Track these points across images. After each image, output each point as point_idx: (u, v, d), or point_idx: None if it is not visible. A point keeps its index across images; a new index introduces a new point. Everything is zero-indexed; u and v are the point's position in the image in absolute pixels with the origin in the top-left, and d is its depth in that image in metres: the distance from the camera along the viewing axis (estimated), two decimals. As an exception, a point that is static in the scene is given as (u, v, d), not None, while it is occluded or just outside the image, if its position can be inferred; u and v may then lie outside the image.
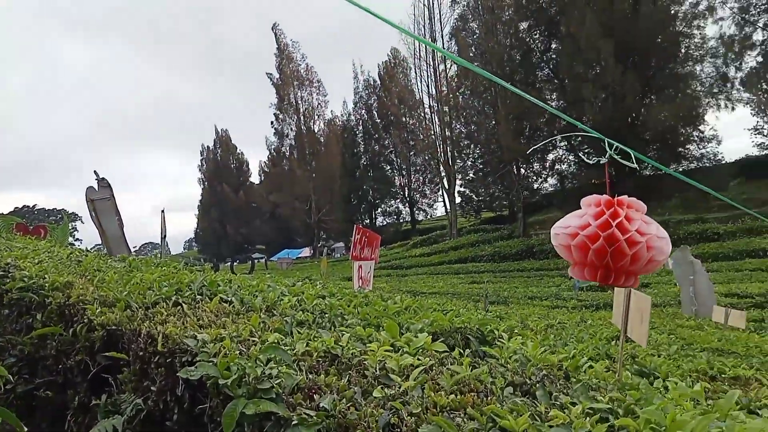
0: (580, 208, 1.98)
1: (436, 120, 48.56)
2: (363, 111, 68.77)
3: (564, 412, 1.63)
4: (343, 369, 2.01)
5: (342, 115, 72.47)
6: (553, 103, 34.51)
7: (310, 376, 1.87)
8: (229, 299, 3.11)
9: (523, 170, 38.48)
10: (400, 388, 1.77)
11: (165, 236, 11.23)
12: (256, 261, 51.94)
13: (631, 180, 29.33)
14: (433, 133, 48.77)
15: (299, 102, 67.39)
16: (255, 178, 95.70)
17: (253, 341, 2.22)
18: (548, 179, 39.88)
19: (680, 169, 29.70)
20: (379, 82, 65.87)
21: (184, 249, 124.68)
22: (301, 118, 67.09)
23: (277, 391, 1.73)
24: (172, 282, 3.32)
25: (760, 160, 39.30)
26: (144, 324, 2.47)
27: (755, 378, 3.87)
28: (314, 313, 2.99)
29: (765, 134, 42.78)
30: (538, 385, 1.96)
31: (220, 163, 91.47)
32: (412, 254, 43.50)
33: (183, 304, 2.85)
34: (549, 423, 1.55)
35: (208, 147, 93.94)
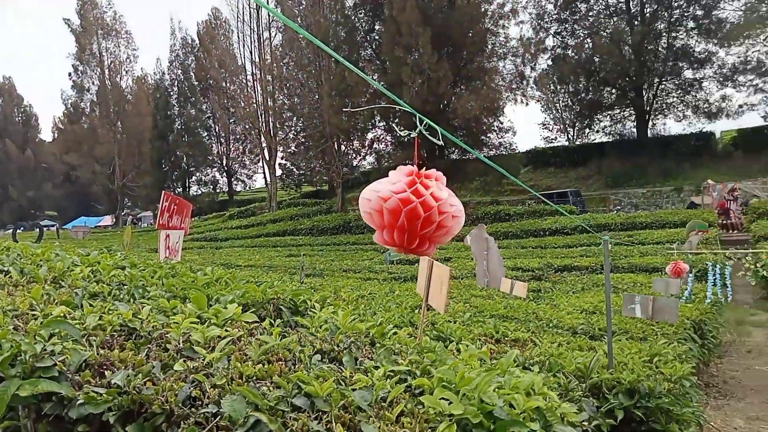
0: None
1: (259, 89, 47.14)
2: (179, 71, 63.97)
3: (367, 376, 1.70)
4: (141, 343, 1.87)
5: (155, 73, 66.77)
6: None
7: (102, 351, 1.71)
8: (6, 269, 2.70)
9: (343, 147, 39.30)
10: (204, 360, 1.70)
11: None
12: (45, 229, 45.92)
13: (441, 162, 31.67)
14: (254, 101, 47.29)
15: (104, 54, 60.49)
16: (47, 135, 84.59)
17: (34, 315, 1.95)
18: (367, 157, 41.32)
19: (482, 156, 32.76)
20: (198, 42, 61.76)
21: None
22: (106, 71, 60.35)
23: (61, 369, 1.55)
24: (-73, 249, 2.78)
25: (545, 151, 45.12)
26: None
27: (531, 340, 4.46)
28: (111, 284, 2.73)
29: (550, 129, 49.15)
30: (345, 351, 2.02)
31: (1, 115, 79.06)
32: (228, 226, 42.12)
33: (-59, 275, 2.41)
34: (353, 386, 1.61)
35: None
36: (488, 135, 35.01)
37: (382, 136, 39.03)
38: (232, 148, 63.06)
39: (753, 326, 12.21)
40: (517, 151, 38.17)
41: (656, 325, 6.26)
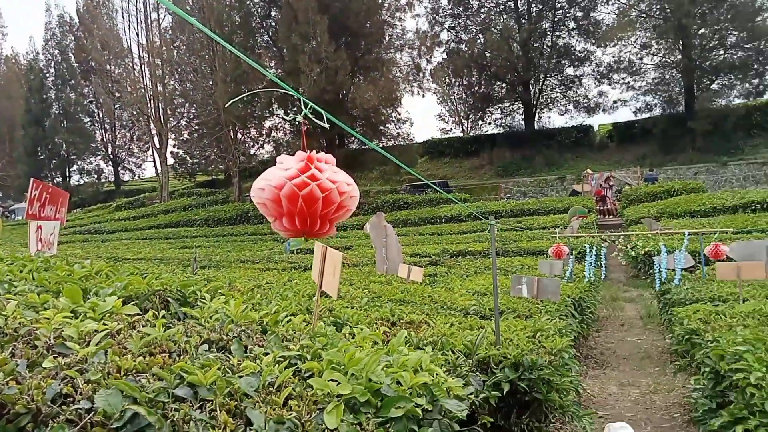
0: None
1: (147, 73, 44.46)
2: (56, 52, 58.78)
3: (256, 362, 1.68)
4: (6, 341, 1.72)
5: (28, 53, 60.90)
6: (272, 71, 34.85)
7: (-42, 352, 1.55)
8: None
9: (240, 135, 38.12)
10: (77, 355, 1.59)
11: None
12: None
13: (340, 152, 31.66)
14: (142, 86, 44.55)
15: (-35, 29, 54.32)
16: None
17: None
18: (265, 145, 40.36)
19: (380, 145, 33.15)
20: (77, 20, 57.00)
21: None
22: (-32, 49, 54.27)
23: None
24: None
25: (441, 142, 46.50)
26: None
27: (425, 321, 4.60)
28: (-29, 281, 2.47)
29: (446, 121, 50.70)
30: (234, 340, 1.98)
31: None
32: (115, 217, 39.58)
33: None
34: (240, 374, 1.58)
35: None
36: (387, 125, 35.34)
37: (280, 125, 38.23)
38: (119, 135, 59.10)
39: (625, 302, 13.43)
40: (414, 142, 38.91)
41: (541, 303, 6.68)
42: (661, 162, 34.11)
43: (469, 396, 2.25)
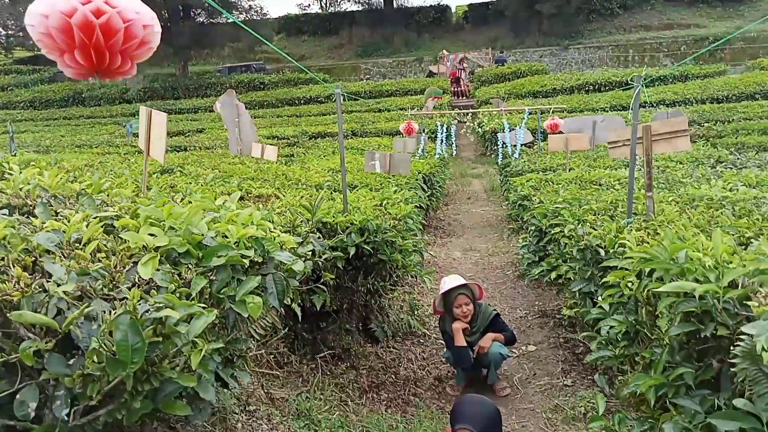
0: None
1: None
2: None
3: (63, 222, 1.53)
4: None
5: None
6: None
7: None
8: None
9: (64, 1, 32.99)
10: None
11: None
12: None
13: (186, 25, 28.88)
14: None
15: None
16: None
17: None
18: (97, 16, 35.48)
19: (230, 19, 30.64)
20: None
21: None
22: None
23: None
24: None
25: (298, 18, 44.06)
26: None
27: (275, 195, 4.57)
28: None
29: (303, -6, 47.74)
30: (41, 204, 1.78)
31: None
32: None
33: None
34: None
35: None
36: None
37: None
38: None
39: (473, 177, 14.46)
40: (269, 17, 36.43)
41: (393, 178, 6.94)
42: (511, 44, 35.52)
43: (308, 254, 2.30)
